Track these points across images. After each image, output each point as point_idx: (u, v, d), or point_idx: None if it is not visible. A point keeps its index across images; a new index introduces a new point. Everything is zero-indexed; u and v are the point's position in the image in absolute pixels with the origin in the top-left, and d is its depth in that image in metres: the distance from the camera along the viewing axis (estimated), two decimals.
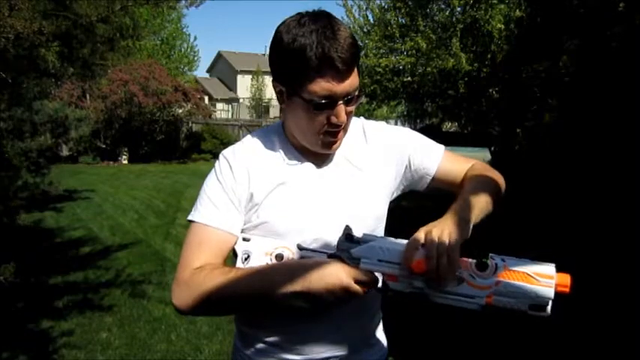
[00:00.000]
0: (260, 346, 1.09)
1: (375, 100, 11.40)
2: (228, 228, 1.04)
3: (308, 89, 0.96)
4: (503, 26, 8.67)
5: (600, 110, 4.86)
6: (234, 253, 1.04)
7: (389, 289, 0.89)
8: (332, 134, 1.02)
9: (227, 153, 1.10)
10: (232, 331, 3.61)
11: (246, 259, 1.01)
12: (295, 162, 1.09)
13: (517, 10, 8.37)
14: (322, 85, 0.95)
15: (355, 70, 0.99)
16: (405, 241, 0.89)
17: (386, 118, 25.67)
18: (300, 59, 0.95)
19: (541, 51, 6.47)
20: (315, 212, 1.04)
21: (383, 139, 1.16)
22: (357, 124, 1.17)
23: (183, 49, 28.90)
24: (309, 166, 1.09)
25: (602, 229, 4.36)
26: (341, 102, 0.98)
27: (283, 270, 0.94)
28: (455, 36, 9.16)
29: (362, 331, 1.12)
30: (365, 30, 10.95)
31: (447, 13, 9.78)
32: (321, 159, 1.10)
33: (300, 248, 0.99)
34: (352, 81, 0.98)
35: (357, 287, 0.89)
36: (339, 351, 1.08)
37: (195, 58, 30.02)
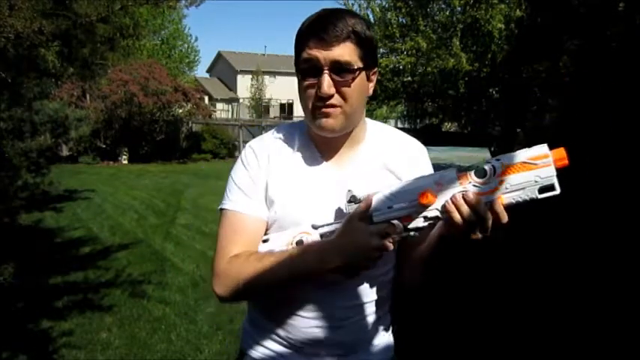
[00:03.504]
0: (267, 332, 1.12)
1: (375, 100, 11.41)
2: (259, 214, 1.07)
3: (300, 59, 1.01)
4: (503, 26, 8.67)
5: (600, 110, 4.86)
6: None
7: (408, 229, 0.92)
8: (320, 107, 1.01)
9: (253, 143, 1.14)
10: (233, 330, 3.60)
11: None
12: (311, 158, 1.10)
13: (517, 10, 8.37)
14: (308, 51, 0.99)
15: (350, 45, 0.99)
16: (403, 182, 0.93)
17: (386, 118, 25.66)
18: (299, 35, 1.02)
19: (541, 51, 6.47)
20: (324, 209, 1.05)
21: (411, 157, 1.15)
22: (391, 132, 1.18)
23: (183, 50, 28.91)
24: (323, 162, 1.10)
25: (603, 230, 4.35)
26: (326, 71, 0.98)
27: (314, 248, 0.97)
28: (455, 36, 9.17)
29: (364, 332, 1.11)
30: None
31: (448, 13, 9.78)
32: (338, 156, 1.10)
33: (316, 227, 1.01)
34: (342, 52, 0.98)
35: (383, 243, 0.91)
36: (340, 349, 1.08)
37: (196, 58, 30.06)
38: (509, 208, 0.86)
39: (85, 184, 9.93)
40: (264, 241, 1.05)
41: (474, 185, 0.86)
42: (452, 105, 10.50)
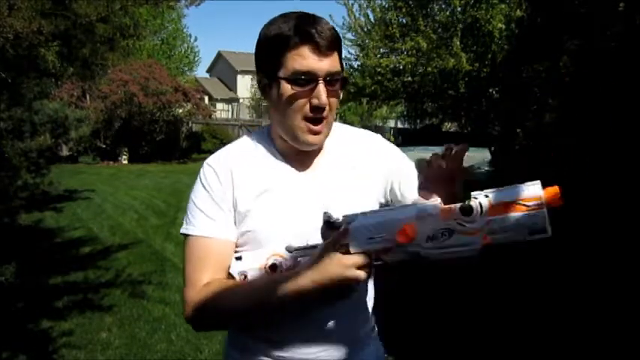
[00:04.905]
0: (252, 349, 1.08)
1: (376, 100, 11.42)
2: (225, 236, 1.02)
3: (288, 67, 0.96)
4: (503, 26, 8.68)
5: (600, 110, 4.85)
6: (229, 276, 1.02)
7: (386, 262, 0.87)
8: (314, 120, 0.98)
9: (211, 160, 1.08)
10: None
11: (244, 280, 1.00)
12: (279, 167, 1.06)
13: (517, 10, 8.39)
14: (301, 61, 0.95)
15: (336, 55, 0.99)
16: (385, 211, 0.88)
17: (386, 118, 25.64)
18: (280, 39, 0.96)
19: (541, 51, 6.46)
20: (299, 219, 1.02)
21: (377, 152, 1.14)
22: (351, 131, 1.16)
23: (183, 50, 28.91)
24: (293, 171, 1.07)
25: (603, 230, 4.35)
26: (321, 81, 0.95)
27: (288, 278, 0.93)
28: (455, 36, 9.18)
29: (352, 334, 1.10)
30: (366, 30, 10.96)
31: (448, 13, 9.80)
32: (305, 164, 1.08)
33: (290, 250, 0.98)
34: (333, 62, 0.97)
35: (359, 273, 0.86)
36: (330, 354, 1.06)
37: (196, 59, 30.05)
38: (491, 246, 0.81)
39: (85, 184, 9.93)
40: (238, 258, 1.01)
41: (458, 224, 0.80)
42: (452, 105, 10.50)
